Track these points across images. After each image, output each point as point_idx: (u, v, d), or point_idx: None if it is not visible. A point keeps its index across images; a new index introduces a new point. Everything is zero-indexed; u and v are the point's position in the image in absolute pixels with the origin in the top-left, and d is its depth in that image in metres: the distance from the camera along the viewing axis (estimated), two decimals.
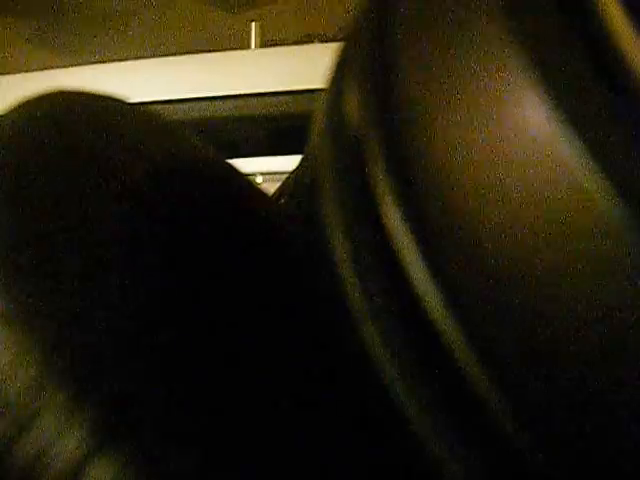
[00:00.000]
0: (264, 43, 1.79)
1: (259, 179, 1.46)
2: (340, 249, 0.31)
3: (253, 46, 1.79)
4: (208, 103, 1.62)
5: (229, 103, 1.62)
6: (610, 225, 0.25)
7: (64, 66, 1.76)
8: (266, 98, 1.59)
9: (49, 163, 0.33)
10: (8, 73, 1.77)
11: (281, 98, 1.58)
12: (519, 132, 0.26)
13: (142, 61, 1.72)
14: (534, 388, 0.27)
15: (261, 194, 0.42)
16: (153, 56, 1.72)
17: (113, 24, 1.98)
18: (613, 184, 0.24)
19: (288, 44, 1.75)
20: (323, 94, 0.36)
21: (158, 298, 0.31)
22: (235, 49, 1.72)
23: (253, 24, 1.80)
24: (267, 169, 1.47)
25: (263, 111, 1.60)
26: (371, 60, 0.32)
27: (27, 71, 1.76)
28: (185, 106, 1.61)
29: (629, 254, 0.25)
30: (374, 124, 0.31)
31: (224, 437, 0.29)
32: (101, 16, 1.97)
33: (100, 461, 0.27)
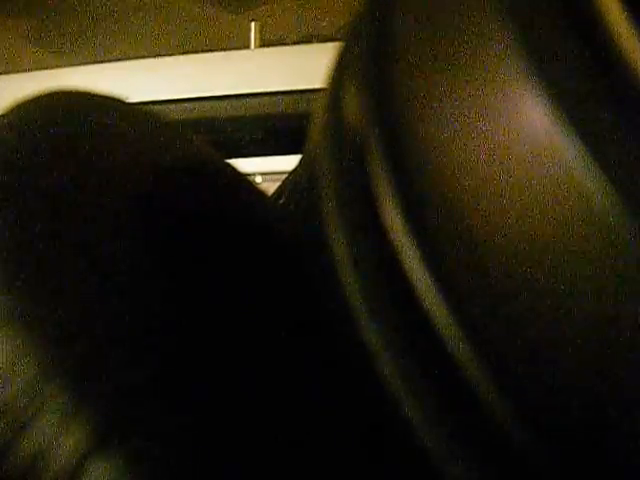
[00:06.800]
0: (264, 43, 1.78)
1: (259, 179, 1.46)
2: (339, 249, 0.31)
3: (253, 46, 1.79)
4: (208, 103, 1.62)
5: (229, 103, 1.61)
6: (609, 224, 0.25)
7: (64, 66, 1.76)
8: (266, 98, 1.59)
9: (48, 164, 0.33)
10: (8, 73, 1.77)
11: (281, 98, 1.58)
12: (519, 133, 0.26)
13: (142, 61, 1.71)
14: (534, 388, 0.27)
15: (261, 194, 0.42)
16: (153, 56, 1.72)
17: (113, 24, 1.98)
18: (613, 186, 0.24)
19: (288, 44, 1.75)
20: (323, 94, 0.36)
21: (159, 302, 0.30)
22: (235, 49, 1.71)
23: (253, 24, 1.80)
24: (267, 169, 1.47)
25: (263, 111, 1.60)
26: (371, 60, 0.32)
27: (27, 71, 1.76)
28: (184, 106, 1.61)
29: (628, 253, 0.25)
30: (374, 124, 0.31)
31: (225, 440, 0.29)
32: (101, 16, 1.97)
33: (99, 462, 0.27)
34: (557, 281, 0.26)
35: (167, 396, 0.28)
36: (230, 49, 1.70)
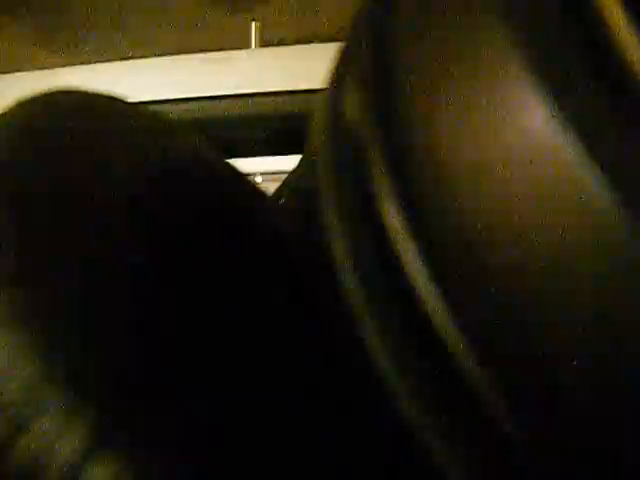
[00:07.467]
0: (264, 43, 1.78)
1: (259, 179, 1.47)
2: (340, 249, 0.31)
3: (253, 46, 1.79)
4: (208, 103, 1.62)
5: (228, 103, 1.62)
6: (608, 225, 0.25)
7: (64, 66, 1.76)
8: (266, 98, 1.59)
9: (48, 164, 0.33)
10: (8, 72, 1.77)
11: (281, 98, 1.58)
12: (519, 132, 0.26)
13: (141, 61, 1.71)
14: (533, 387, 0.27)
15: (261, 194, 0.42)
16: (153, 56, 1.72)
17: (113, 24, 1.97)
18: (612, 184, 0.24)
19: (288, 44, 1.75)
20: (323, 94, 0.36)
21: (158, 306, 0.30)
22: (235, 49, 1.71)
23: (253, 24, 1.80)
24: (267, 169, 1.47)
25: (263, 111, 1.60)
26: (371, 60, 0.32)
27: (27, 70, 1.76)
28: (184, 106, 1.61)
29: (626, 254, 0.25)
30: (374, 124, 0.31)
31: (225, 443, 0.29)
32: (101, 16, 1.97)
33: (100, 461, 0.27)
34: (555, 280, 0.26)
35: (169, 396, 0.28)
36: (230, 49, 1.70)
